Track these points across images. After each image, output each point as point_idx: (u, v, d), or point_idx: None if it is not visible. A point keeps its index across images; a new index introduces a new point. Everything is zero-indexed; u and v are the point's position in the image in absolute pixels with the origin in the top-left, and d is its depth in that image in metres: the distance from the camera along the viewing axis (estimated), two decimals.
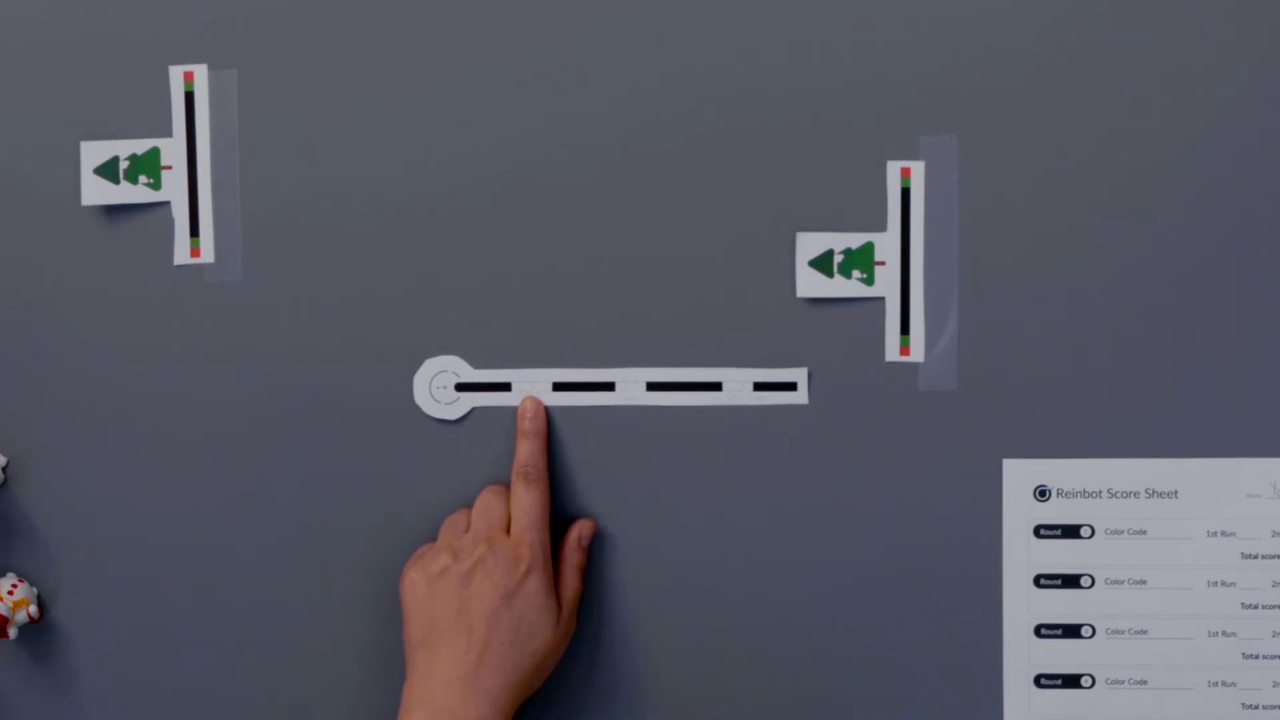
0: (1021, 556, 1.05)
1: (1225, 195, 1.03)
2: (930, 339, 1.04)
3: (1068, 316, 1.03)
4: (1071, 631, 1.05)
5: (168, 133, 1.05)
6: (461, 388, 1.05)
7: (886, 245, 1.04)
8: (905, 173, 1.03)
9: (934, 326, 1.04)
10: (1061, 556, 1.05)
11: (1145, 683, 1.05)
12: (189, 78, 1.05)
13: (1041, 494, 1.04)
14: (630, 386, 1.04)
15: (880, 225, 1.04)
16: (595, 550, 1.05)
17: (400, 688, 1.00)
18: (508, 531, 1.02)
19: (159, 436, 1.06)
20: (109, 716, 1.07)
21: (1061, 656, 1.05)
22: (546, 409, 1.04)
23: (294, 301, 1.05)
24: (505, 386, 1.05)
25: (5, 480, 1.06)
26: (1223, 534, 1.04)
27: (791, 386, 1.04)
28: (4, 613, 1.03)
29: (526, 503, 1.02)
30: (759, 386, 1.04)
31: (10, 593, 1.05)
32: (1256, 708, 1.05)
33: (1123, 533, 1.04)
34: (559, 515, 1.05)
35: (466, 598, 0.99)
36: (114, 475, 1.06)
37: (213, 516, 1.06)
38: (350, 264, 1.05)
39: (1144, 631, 1.05)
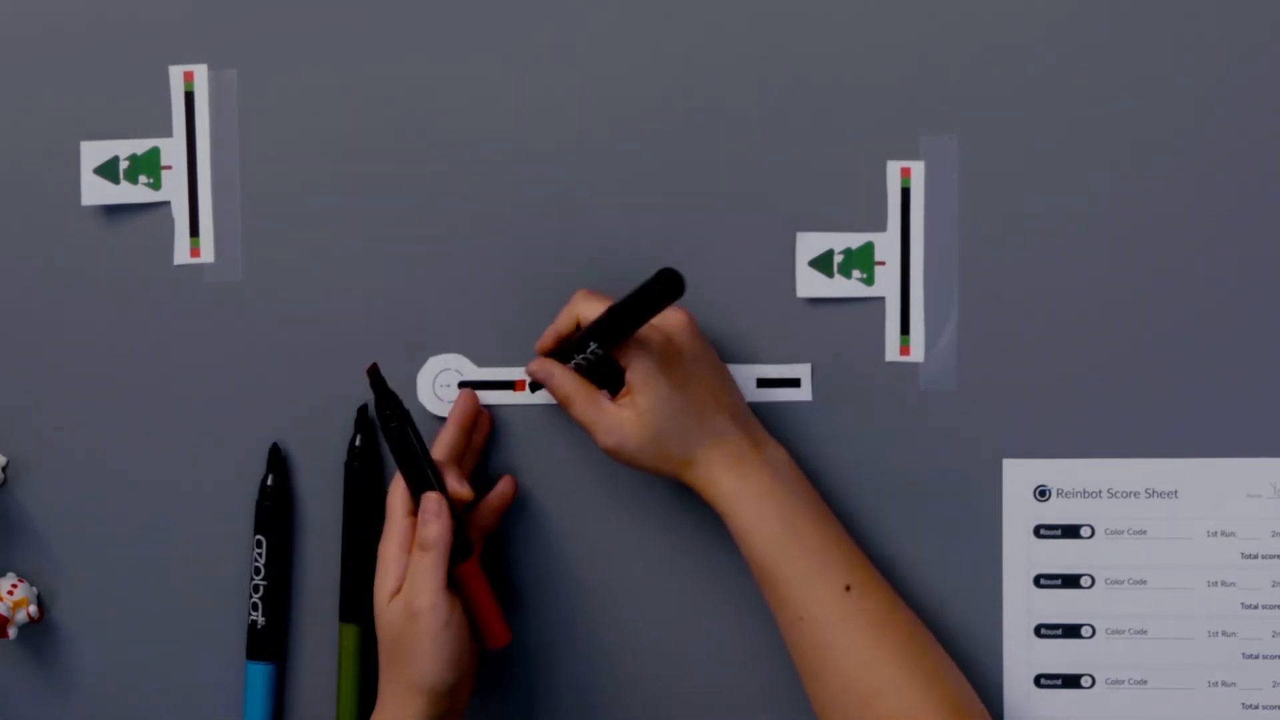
0: (1021, 556, 1.05)
1: (1225, 196, 1.03)
2: (930, 339, 1.04)
3: (1068, 316, 1.03)
4: (1071, 631, 1.05)
5: (168, 133, 1.05)
6: (465, 385, 1.05)
7: (886, 245, 1.04)
8: (905, 173, 1.03)
9: (934, 326, 1.04)
10: (1061, 556, 1.05)
11: (1145, 683, 1.05)
12: (189, 78, 1.05)
13: (1041, 494, 1.04)
14: None
15: (880, 225, 1.04)
16: (597, 546, 1.05)
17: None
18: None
19: (159, 436, 1.05)
20: (109, 716, 1.06)
21: (1061, 656, 1.05)
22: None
23: (294, 301, 1.05)
24: (508, 384, 1.05)
25: (5, 480, 1.06)
26: (1223, 534, 1.04)
27: (795, 383, 1.04)
28: (4, 613, 1.03)
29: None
30: (762, 383, 1.04)
31: (10, 593, 1.04)
32: (1256, 708, 1.04)
33: (1123, 533, 1.04)
34: (562, 513, 1.05)
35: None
36: (114, 475, 1.06)
37: (213, 516, 1.05)
38: (351, 263, 1.05)
39: (1144, 631, 1.05)
